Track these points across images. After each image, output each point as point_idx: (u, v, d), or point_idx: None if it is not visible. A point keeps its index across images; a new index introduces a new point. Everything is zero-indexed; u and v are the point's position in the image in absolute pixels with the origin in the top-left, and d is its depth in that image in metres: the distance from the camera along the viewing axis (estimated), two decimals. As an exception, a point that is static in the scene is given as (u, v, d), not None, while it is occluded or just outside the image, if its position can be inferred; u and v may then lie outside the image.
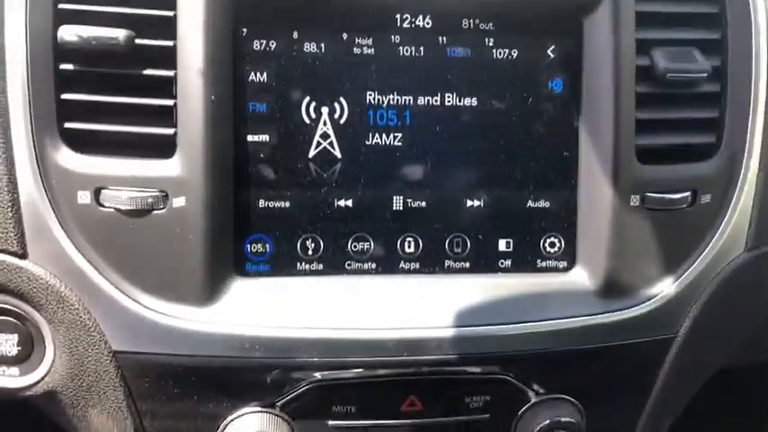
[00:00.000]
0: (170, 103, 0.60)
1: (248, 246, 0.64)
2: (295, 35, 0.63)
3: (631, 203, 0.66)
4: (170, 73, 0.60)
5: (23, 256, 0.60)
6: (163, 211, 0.60)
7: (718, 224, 0.69)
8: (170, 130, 0.60)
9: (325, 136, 0.64)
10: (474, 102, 0.66)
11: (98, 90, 0.61)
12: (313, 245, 0.65)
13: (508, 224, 0.68)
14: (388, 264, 0.67)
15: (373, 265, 0.66)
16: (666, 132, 0.68)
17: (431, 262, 0.67)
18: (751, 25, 0.67)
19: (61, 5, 0.60)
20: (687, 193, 0.67)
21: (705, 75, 0.67)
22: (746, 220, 0.70)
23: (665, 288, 0.69)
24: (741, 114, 0.68)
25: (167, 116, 0.61)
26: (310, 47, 0.63)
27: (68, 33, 0.59)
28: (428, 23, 0.65)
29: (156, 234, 0.60)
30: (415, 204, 0.66)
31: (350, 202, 0.65)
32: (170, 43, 0.60)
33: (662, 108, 0.67)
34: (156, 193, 0.60)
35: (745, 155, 0.68)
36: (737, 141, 0.68)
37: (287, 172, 0.64)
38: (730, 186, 0.69)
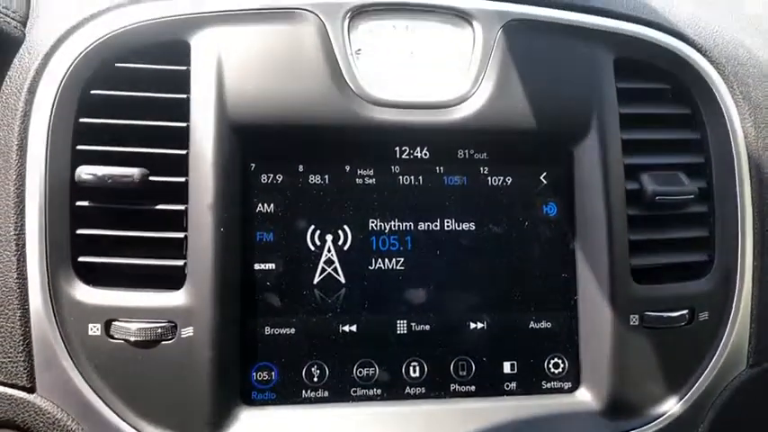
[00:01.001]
0: (181, 235, 0.62)
1: (254, 374, 0.64)
2: (301, 168, 0.66)
3: (631, 323, 0.67)
4: (181, 207, 0.63)
5: (31, 389, 0.60)
6: (171, 341, 0.61)
7: (718, 341, 0.70)
8: (180, 262, 0.62)
9: (329, 262, 0.66)
10: (472, 226, 0.68)
11: (111, 225, 0.63)
12: (318, 372, 0.65)
13: (512, 346, 0.68)
14: (394, 389, 0.66)
15: (379, 391, 0.66)
16: (660, 252, 0.70)
17: (436, 386, 0.67)
18: (732, 149, 0.71)
19: (80, 147, 0.63)
20: (685, 311, 0.68)
21: (692, 196, 0.70)
22: (746, 336, 0.70)
23: (671, 408, 0.68)
24: (730, 233, 0.70)
25: (177, 248, 0.63)
26: (315, 179, 0.66)
27: (85, 173, 0.62)
28: (426, 154, 0.68)
29: (164, 364, 0.61)
30: (419, 328, 0.67)
31: (354, 328, 0.66)
32: (182, 179, 0.63)
33: (653, 229, 0.70)
34: (165, 324, 0.61)
35: (738, 272, 0.70)
36: (729, 259, 0.70)
37: (292, 299, 0.65)
38: (727, 303, 0.70)
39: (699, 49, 0.73)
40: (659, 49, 0.72)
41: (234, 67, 0.65)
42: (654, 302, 0.68)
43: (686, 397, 0.68)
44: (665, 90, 0.73)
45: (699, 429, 0.69)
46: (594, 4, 0.72)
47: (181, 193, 0.63)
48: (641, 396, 0.68)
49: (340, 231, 0.67)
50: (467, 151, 0.69)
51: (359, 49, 0.68)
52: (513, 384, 0.68)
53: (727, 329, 0.70)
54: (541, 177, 0.70)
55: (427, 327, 0.67)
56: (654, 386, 0.68)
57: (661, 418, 0.68)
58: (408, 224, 0.68)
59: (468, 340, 0.68)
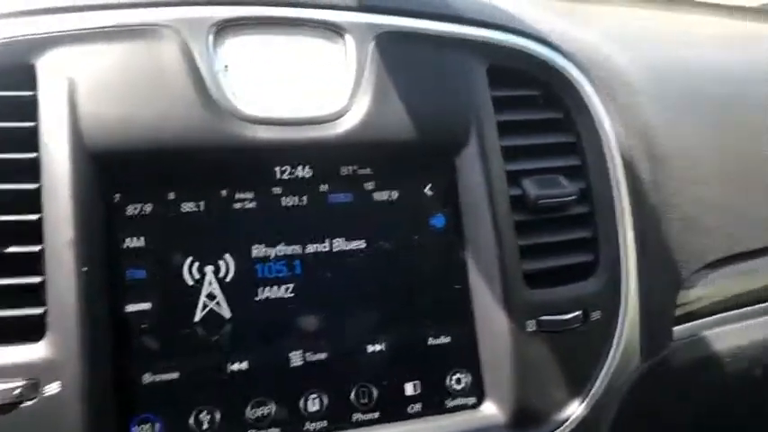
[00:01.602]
0: (38, 280, 0.55)
1: (134, 428, 0.57)
2: (171, 196, 0.61)
3: (528, 329, 0.66)
4: (36, 248, 0.55)
5: None
6: (34, 401, 0.52)
7: (612, 339, 0.71)
8: (39, 310, 0.55)
9: (211, 296, 0.61)
10: (362, 245, 0.65)
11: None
12: (208, 417, 0.59)
13: (412, 366, 0.65)
14: (292, 427, 0.61)
15: (276, 431, 0.61)
16: (549, 256, 0.70)
17: (338, 418, 0.62)
18: (605, 150, 0.73)
19: None
20: (578, 313, 0.68)
21: (573, 198, 0.71)
22: (637, 331, 0.72)
23: (575, 411, 0.68)
24: (612, 232, 0.72)
25: (35, 294, 0.55)
26: (188, 206, 0.61)
27: None
28: (308, 173, 0.65)
29: (28, 429, 0.52)
30: (316, 358, 0.62)
31: (245, 365, 0.61)
32: (35, 217, 0.56)
33: (541, 233, 0.70)
34: (25, 383, 0.53)
35: (623, 269, 0.72)
36: (614, 257, 0.71)
37: (172, 340, 0.59)
38: (616, 301, 0.71)
39: (566, 56, 0.75)
40: (529, 56, 0.73)
41: (88, 91, 0.59)
42: (548, 306, 0.67)
43: (588, 398, 0.68)
44: (537, 96, 0.74)
45: (603, 428, 0.70)
46: (465, 14, 0.72)
47: (35, 232, 0.56)
48: (545, 402, 0.67)
49: (221, 262, 0.61)
50: (350, 167, 0.66)
51: (226, 66, 0.64)
52: (418, 406, 0.65)
53: (619, 327, 0.71)
54: (426, 189, 0.68)
55: (324, 355, 0.63)
56: (557, 391, 0.68)
57: (566, 423, 0.68)
58: (295, 248, 0.64)
59: (368, 365, 0.64)
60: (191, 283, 0.61)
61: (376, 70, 0.67)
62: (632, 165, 0.73)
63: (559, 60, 0.75)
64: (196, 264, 0.61)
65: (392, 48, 0.68)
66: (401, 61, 0.68)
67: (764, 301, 0.80)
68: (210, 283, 0.61)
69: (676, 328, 0.75)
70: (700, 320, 0.77)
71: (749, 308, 0.80)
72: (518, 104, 0.72)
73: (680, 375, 0.76)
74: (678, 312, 0.75)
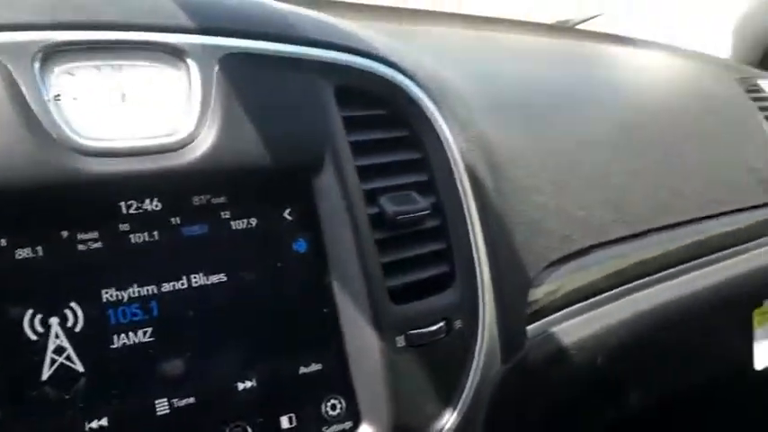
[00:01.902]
0: None
1: None
2: (3, 243, 0.54)
3: (398, 345, 0.67)
4: None
5: None
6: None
7: (475, 346, 0.73)
8: None
9: (59, 350, 0.54)
10: (223, 278, 0.62)
11: None
12: (66, 485, 0.53)
13: (286, 398, 0.63)
14: (163, 483, 0.57)
15: (146, 491, 0.56)
16: (409, 270, 0.71)
17: None
18: (451, 165, 0.76)
19: None
20: (442, 323, 0.70)
21: (427, 212, 0.72)
22: (495, 336, 0.75)
23: (447, 422, 0.69)
24: (465, 242, 0.74)
25: None
26: (23, 253, 0.54)
27: None
28: (157, 206, 0.60)
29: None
30: (183, 403, 0.58)
31: (105, 421, 0.55)
32: None
33: (400, 249, 0.71)
34: None
35: (478, 277, 0.74)
36: (469, 266, 0.74)
37: (19, 403, 0.52)
38: (476, 307, 0.73)
39: (406, 74, 0.77)
40: (373, 76, 0.74)
41: None
42: (414, 320, 0.68)
43: (459, 406, 0.70)
44: (385, 115, 0.75)
45: None
46: (309, 35, 0.71)
47: None
48: (419, 417, 0.68)
49: (68, 311, 0.55)
50: (203, 197, 0.63)
51: (58, 95, 0.58)
52: (295, 439, 0.63)
53: (480, 333, 0.73)
54: (285, 214, 0.66)
55: (192, 399, 0.59)
56: (429, 404, 0.69)
57: None
58: (150, 288, 0.59)
59: (240, 403, 0.61)
60: (34, 338, 0.54)
61: (222, 94, 0.64)
62: (476, 176, 0.77)
63: (401, 79, 0.76)
64: (38, 316, 0.54)
65: (238, 70, 0.66)
66: (248, 84, 0.66)
67: (600, 293, 0.87)
68: (57, 336, 0.55)
69: (530, 327, 0.79)
70: (549, 317, 0.81)
71: (587, 301, 0.86)
72: (367, 124, 0.73)
73: (537, 372, 0.80)
74: (529, 311, 0.80)
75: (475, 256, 0.74)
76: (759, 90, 1.33)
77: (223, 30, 0.67)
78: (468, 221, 0.74)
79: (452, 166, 0.76)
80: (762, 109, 1.25)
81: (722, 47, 1.56)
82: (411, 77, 0.78)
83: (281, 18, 0.72)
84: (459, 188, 0.75)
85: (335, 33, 0.75)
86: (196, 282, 0.61)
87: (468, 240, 0.74)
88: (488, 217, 0.76)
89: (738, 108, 1.25)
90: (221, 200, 0.64)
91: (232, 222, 0.64)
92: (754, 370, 1.18)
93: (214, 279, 0.62)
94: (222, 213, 0.63)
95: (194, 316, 0.60)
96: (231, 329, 0.62)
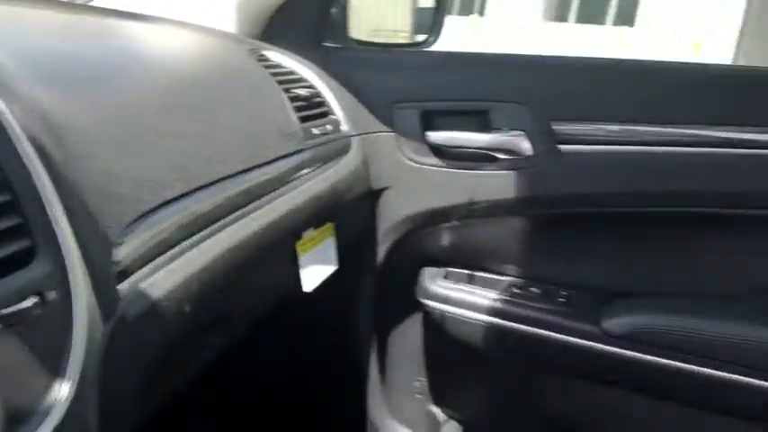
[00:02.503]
0: None
1: None
2: None
3: None
4: None
5: None
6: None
7: (72, 314, 0.73)
8: None
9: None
10: None
11: None
12: None
13: None
14: None
15: None
16: None
17: None
18: (13, 140, 0.73)
19: None
20: (36, 297, 0.69)
21: None
22: (94, 300, 0.76)
23: (60, 392, 0.69)
24: (41, 213, 0.73)
25: None
26: None
27: None
28: None
29: None
30: None
31: None
32: None
33: None
34: None
35: (62, 245, 0.74)
36: (51, 236, 0.73)
37: None
38: (66, 277, 0.73)
39: None
40: None
41: None
42: (4, 299, 0.66)
43: (68, 376, 0.70)
44: None
45: (91, 406, 0.73)
46: None
47: None
48: (30, 396, 0.66)
49: None
50: None
51: None
52: None
53: (75, 301, 0.74)
54: None
55: None
56: (38, 380, 0.67)
57: (52, 415, 0.69)
58: None
59: None
60: None
61: None
62: (42, 147, 0.76)
63: None
64: None
65: None
66: None
67: (176, 246, 0.95)
68: None
69: (120, 287, 0.82)
70: (135, 275, 0.86)
71: (166, 254, 0.93)
72: None
73: (136, 328, 0.84)
74: (116, 271, 0.83)
75: (55, 226, 0.74)
76: (267, 59, 1.56)
77: None
78: (42, 193, 0.74)
79: (13, 139, 0.73)
80: (273, 74, 1.47)
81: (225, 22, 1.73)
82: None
83: None
84: (26, 161, 0.73)
85: None
86: None
87: (45, 211, 0.73)
88: (61, 186, 0.76)
89: (255, 74, 1.44)
90: None
91: None
92: (303, 292, 1.42)
93: None
94: None
95: None
96: None
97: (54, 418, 0.69)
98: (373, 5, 2.02)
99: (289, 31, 1.73)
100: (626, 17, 17.79)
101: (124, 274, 0.84)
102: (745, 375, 1.43)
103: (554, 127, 1.58)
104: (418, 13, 2.04)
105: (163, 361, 0.93)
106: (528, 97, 1.60)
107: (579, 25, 19.45)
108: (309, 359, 1.96)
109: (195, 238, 0.99)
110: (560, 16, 20.21)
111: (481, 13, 21.60)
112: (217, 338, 1.16)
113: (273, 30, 1.72)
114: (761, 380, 1.41)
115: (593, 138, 1.57)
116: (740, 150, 1.51)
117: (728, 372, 1.44)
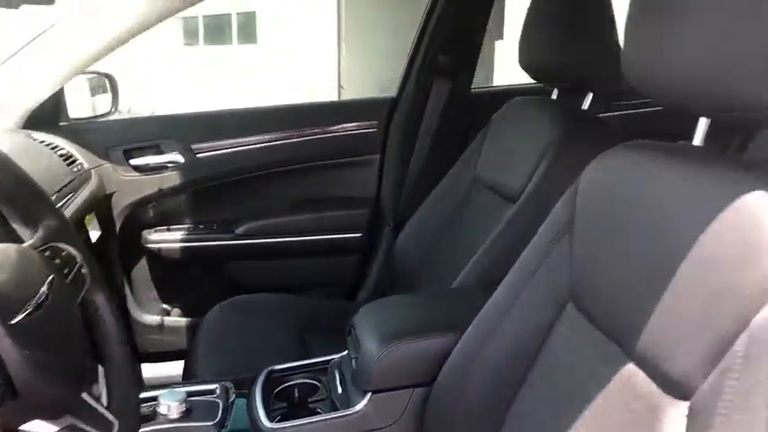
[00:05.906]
0: None
1: None
2: None
3: None
4: None
5: None
6: None
7: None
8: None
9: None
10: None
11: None
12: None
13: None
14: None
15: None
16: None
17: None
18: None
19: None
20: None
21: None
22: None
23: None
24: None
25: None
26: None
27: None
28: None
29: None
30: None
31: None
32: None
33: None
34: None
35: None
36: None
37: None
38: None
39: None
40: None
41: None
42: None
43: None
44: None
45: None
46: None
47: None
48: None
49: None
50: None
51: None
52: None
53: None
54: None
55: None
56: None
57: None
58: None
59: None
60: None
61: None
62: None
63: None
64: None
65: None
66: None
67: None
68: None
69: None
70: None
71: None
72: None
73: None
74: None
75: None
76: (36, 138, 2.41)
77: None
78: None
79: None
80: (45, 145, 2.53)
81: None
82: None
83: None
84: None
85: None
86: None
87: None
88: None
89: (34, 147, 2.76)
90: None
91: None
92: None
93: None
94: None
95: None
96: None
97: None
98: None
99: (36, 119, 2.45)
100: (248, 35, 20.02)
101: None
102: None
103: (192, 146, 3.22)
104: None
105: None
106: (177, 134, 3.16)
107: (212, 47, 21.46)
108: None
109: None
110: (192, 42, 22.07)
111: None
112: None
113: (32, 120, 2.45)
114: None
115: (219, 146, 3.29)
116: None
117: None
